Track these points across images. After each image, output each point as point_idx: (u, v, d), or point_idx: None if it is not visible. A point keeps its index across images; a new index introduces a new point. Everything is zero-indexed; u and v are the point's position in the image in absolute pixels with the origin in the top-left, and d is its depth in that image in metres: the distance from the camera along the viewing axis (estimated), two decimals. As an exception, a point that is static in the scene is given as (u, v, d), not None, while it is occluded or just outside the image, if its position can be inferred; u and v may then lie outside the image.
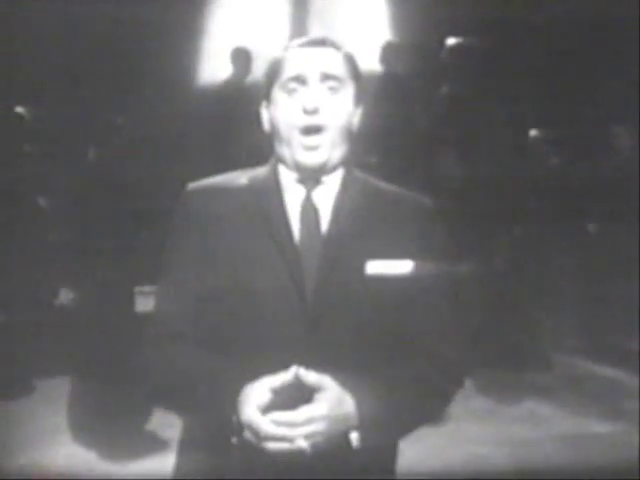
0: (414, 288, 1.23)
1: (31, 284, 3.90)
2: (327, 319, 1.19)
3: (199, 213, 1.27)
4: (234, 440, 1.15)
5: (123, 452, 2.94)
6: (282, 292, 1.20)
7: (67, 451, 2.95)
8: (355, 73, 1.28)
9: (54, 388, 3.44)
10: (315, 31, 5.07)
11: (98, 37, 4.31)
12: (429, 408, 1.31)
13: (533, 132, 4.63)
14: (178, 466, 1.36)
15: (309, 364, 1.14)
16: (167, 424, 3.03)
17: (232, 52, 4.77)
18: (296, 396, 1.14)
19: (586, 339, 4.34)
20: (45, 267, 3.95)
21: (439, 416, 1.38)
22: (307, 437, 1.11)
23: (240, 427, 1.13)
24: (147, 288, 3.66)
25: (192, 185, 1.31)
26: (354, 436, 1.17)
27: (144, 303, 3.59)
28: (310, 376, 1.13)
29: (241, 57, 4.74)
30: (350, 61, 1.28)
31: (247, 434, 1.12)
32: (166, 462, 2.67)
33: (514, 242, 4.37)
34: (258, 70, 4.61)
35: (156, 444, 2.97)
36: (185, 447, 1.34)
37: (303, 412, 1.12)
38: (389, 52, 4.99)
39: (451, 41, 4.97)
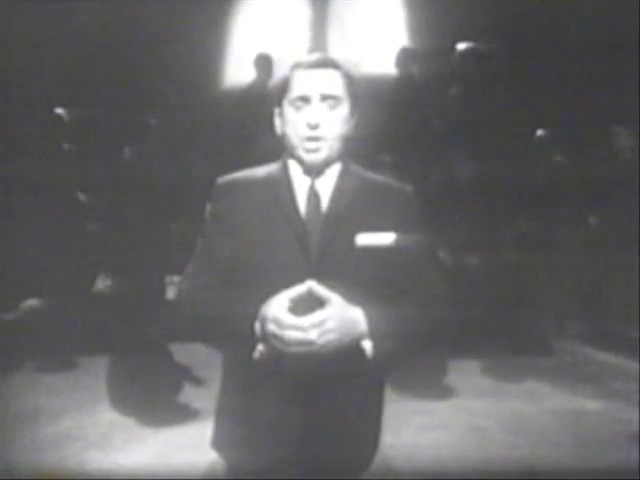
0: (393, 252, 1.52)
1: (72, 272, 4.16)
2: (327, 274, 1.47)
3: (227, 200, 1.58)
4: (259, 349, 1.41)
5: (158, 420, 3.21)
6: (290, 256, 1.50)
7: (107, 417, 3.26)
8: (351, 90, 1.56)
9: (93, 364, 3.76)
10: (333, 37, 5.32)
11: (133, 45, 4.57)
12: (426, 329, 1.54)
13: (538, 132, 4.84)
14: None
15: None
16: (198, 396, 3.40)
17: (255, 58, 5.05)
18: (309, 308, 1.40)
19: (586, 327, 4.56)
20: (84, 257, 4.22)
21: (437, 340, 1.59)
22: (321, 335, 1.37)
23: (263, 329, 1.39)
24: (177, 278, 3.93)
25: (221, 179, 1.62)
26: (367, 345, 1.43)
27: (174, 291, 3.88)
28: (321, 289, 1.41)
29: (263, 62, 5.02)
30: (347, 79, 1.56)
31: (270, 326, 1.38)
32: (197, 429, 3.02)
33: (519, 234, 4.58)
34: (279, 74, 4.86)
35: (188, 413, 3.28)
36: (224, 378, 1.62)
37: (316, 314, 1.39)
38: (404, 56, 5.22)
39: (462, 46, 5.18)
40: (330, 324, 1.39)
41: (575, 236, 4.58)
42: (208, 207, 1.62)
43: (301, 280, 1.44)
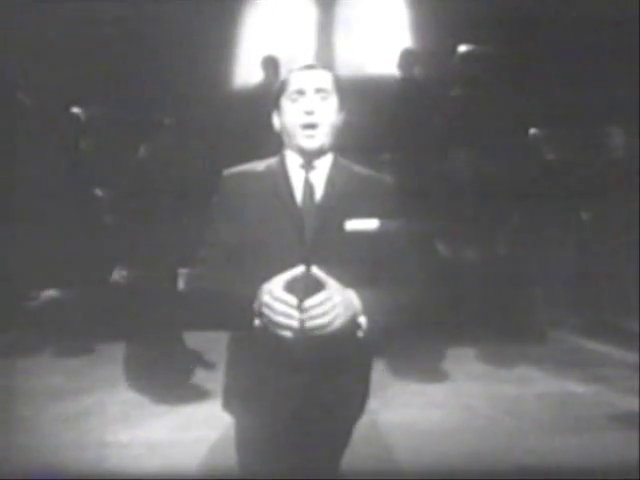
0: (377, 236, 1.75)
1: (90, 264, 4.37)
2: (321, 257, 1.67)
3: (232, 190, 1.79)
4: (256, 322, 1.60)
5: (172, 399, 3.47)
6: (288, 240, 1.71)
7: (125, 396, 3.52)
8: (338, 87, 1.80)
9: (110, 350, 4.02)
10: (339, 40, 5.52)
11: (148, 49, 4.77)
12: (409, 302, 1.74)
13: (532, 131, 5.03)
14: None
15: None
16: (208, 379, 3.65)
17: (262, 60, 5.24)
18: (301, 290, 1.58)
19: (577, 317, 4.76)
20: (101, 249, 4.43)
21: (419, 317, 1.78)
22: (324, 314, 1.54)
23: (258, 302, 1.58)
24: (188, 270, 4.13)
25: (227, 171, 1.84)
26: (362, 320, 1.62)
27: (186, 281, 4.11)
28: (319, 273, 1.60)
29: (270, 64, 5.21)
30: (335, 79, 1.81)
31: (264, 296, 1.57)
32: (208, 407, 3.26)
33: (515, 228, 4.78)
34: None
35: (199, 393, 3.54)
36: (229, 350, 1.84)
37: (319, 295, 1.56)
38: (406, 58, 5.39)
39: (462, 48, 5.36)
40: (335, 301, 1.57)
41: (568, 231, 4.78)
42: (215, 197, 1.83)
43: (298, 262, 1.64)
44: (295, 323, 1.55)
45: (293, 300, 1.56)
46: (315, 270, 1.61)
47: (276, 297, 1.57)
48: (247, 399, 1.77)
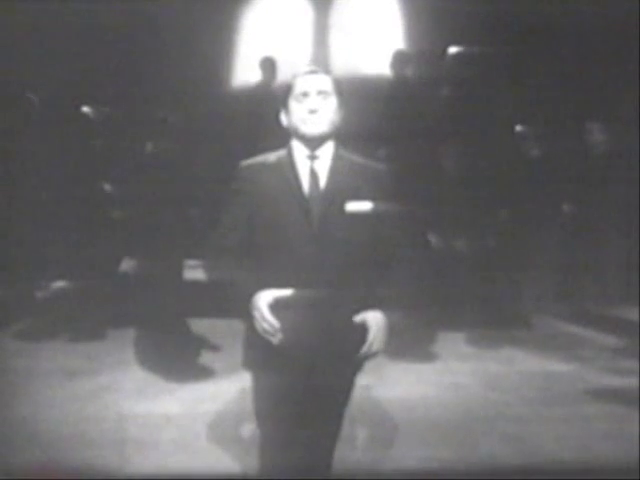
0: (374, 217, 2.01)
1: (100, 255, 4.60)
2: (326, 239, 1.96)
3: (246, 178, 2.05)
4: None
5: (183, 377, 3.71)
6: (297, 225, 1.98)
7: (139, 375, 3.77)
8: (338, 89, 2.06)
9: (121, 335, 4.29)
10: (334, 41, 5.75)
11: (153, 51, 4.99)
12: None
13: (518, 128, 5.29)
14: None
15: (314, 273, 1.92)
16: (215, 360, 3.92)
17: (260, 60, 5.50)
18: (288, 309, 1.87)
19: (561, 304, 5.02)
20: (111, 241, 4.64)
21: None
22: (376, 352, 1.93)
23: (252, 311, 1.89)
24: (192, 262, 4.37)
25: (243, 162, 2.09)
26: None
27: (191, 273, 4.37)
28: (360, 316, 1.94)
29: (268, 64, 5.49)
30: (335, 81, 2.07)
31: (254, 312, 1.89)
32: (215, 385, 3.52)
33: (502, 220, 5.04)
34: (282, 75, 5.33)
35: (207, 373, 3.79)
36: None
37: (369, 339, 1.92)
38: (399, 59, 5.61)
39: (452, 50, 5.60)
40: (379, 335, 1.93)
41: (552, 223, 5.04)
42: (232, 184, 2.08)
43: (305, 244, 1.95)
44: (277, 341, 1.89)
45: (276, 323, 1.88)
46: (359, 317, 1.94)
47: (262, 316, 1.89)
48: (264, 358, 2.01)
